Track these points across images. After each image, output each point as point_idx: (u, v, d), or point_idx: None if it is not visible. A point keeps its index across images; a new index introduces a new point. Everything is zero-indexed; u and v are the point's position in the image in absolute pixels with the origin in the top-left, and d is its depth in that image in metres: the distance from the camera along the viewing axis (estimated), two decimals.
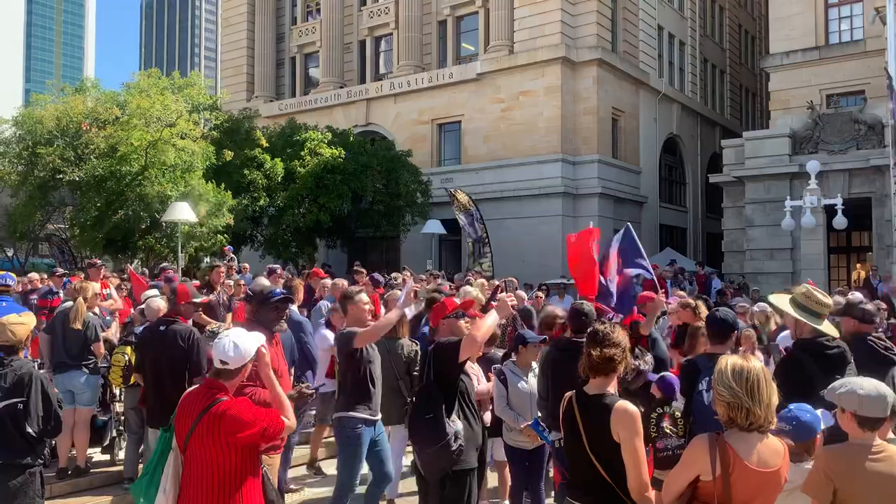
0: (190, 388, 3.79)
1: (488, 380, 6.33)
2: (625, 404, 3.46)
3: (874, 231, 21.91)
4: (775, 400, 3.13)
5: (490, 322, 4.61)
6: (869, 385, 3.21)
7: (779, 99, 26.74)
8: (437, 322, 5.00)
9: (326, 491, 6.96)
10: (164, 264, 15.45)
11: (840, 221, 18.90)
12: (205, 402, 3.53)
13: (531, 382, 6.08)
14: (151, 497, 3.64)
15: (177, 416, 3.63)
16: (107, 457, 7.83)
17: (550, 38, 27.58)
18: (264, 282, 5.24)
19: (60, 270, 12.19)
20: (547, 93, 27.45)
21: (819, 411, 3.75)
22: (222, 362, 3.57)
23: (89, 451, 7.52)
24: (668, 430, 5.39)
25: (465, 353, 4.48)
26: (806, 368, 4.50)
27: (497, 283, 13.52)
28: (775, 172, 22.97)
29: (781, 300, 4.93)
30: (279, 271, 12.59)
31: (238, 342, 3.60)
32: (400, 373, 6.49)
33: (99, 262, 11.50)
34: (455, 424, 4.46)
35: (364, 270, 13.04)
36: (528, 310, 10.77)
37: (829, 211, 19.49)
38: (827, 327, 4.73)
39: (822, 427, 3.82)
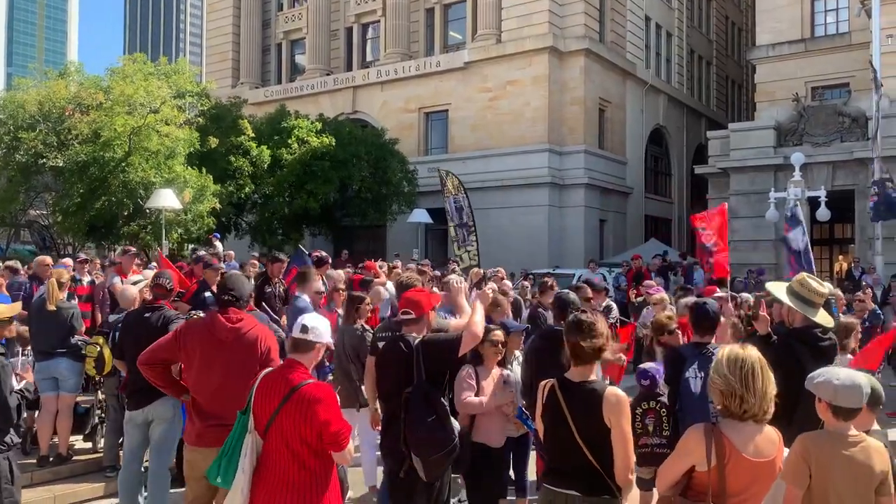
0: (267, 370, 3.85)
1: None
2: (614, 390, 3.52)
3: (857, 223, 22.13)
4: (772, 390, 3.15)
5: (480, 315, 4.58)
6: (844, 375, 3.23)
7: (764, 91, 26.86)
8: (420, 314, 4.66)
9: None
10: (202, 252, 14.45)
11: (823, 213, 19.05)
12: (289, 383, 3.62)
13: (515, 371, 6.10)
14: (230, 478, 3.68)
15: (255, 398, 3.69)
16: (88, 444, 7.76)
17: (538, 27, 27.53)
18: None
19: (83, 256, 11.83)
20: (534, 82, 27.42)
21: None
22: (303, 329, 3.70)
23: (71, 438, 7.46)
24: (650, 428, 5.42)
25: (465, 348, 4.45)
26: (798, 356, 4.53)
27: (482, 272, 13.55)
28: (760, 164, 23.11)
29: (778, 288, 4.95)
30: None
31: (320, 317, 3.81)
32: (351, 357, 6.51)
33: (133, 249, 11.21)
34: (455, 423, 4.41)
35: (427, 262, 12.89)
36: (515, 300, 10.75)
37: (813, 203, 19.63)
38: (821, 317, 4.74)
39: None
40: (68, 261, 12.08)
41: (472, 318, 4.54)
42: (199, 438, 4.50)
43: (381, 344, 5.60)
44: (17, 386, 4.61)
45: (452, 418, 4.43)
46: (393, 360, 4.54)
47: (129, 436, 5.78)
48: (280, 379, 3.68)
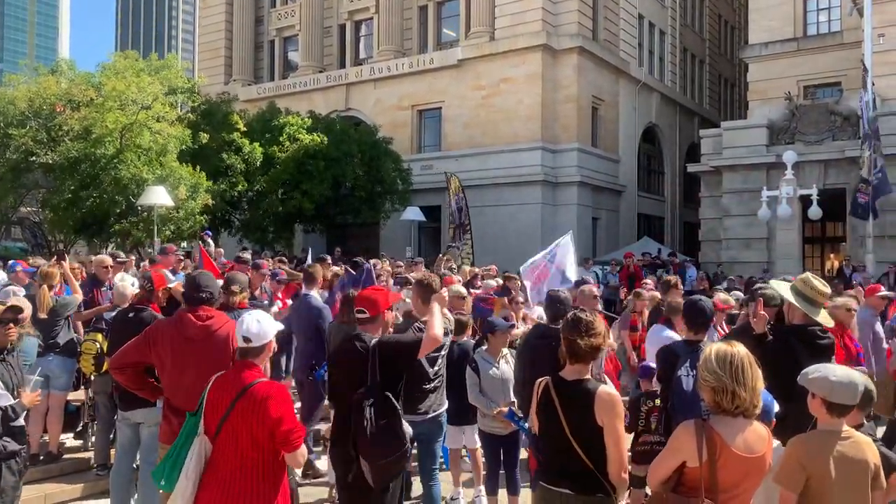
0: (219, 373, 3.76)
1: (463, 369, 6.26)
2: (607, 389, 3.52)
3: (848, 221, 22.21)
4: (760, 385, 3.15)
5: (439, 318, 4.47)
6: (841, 372, 3.26)
7: (757, 89, 26.94)
8: (375, 314, 4.43)
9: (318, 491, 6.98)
10: (246, 255, 13.09)
11: (815, 212, 19.13)
12: (241, 383, 3.55)
13: (502, 369, 6.12)
14: (173, 481, 3.61)
15: (207, 400, 3.63)
16: (79, 443, 7.72)
17: (531, 25, 27.53)
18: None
19: (122, 256, 11.38)
20: (527, 80, 27.42)
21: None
22: (245, 339, 3.63)
23: (61, 436, 7.41)
24: (653, 426, 5.43)
25: (424, 352, 4.38)
26: (795, 353, 4.52)
27: (477, 270, 13.55)
28: (752, 163, 23.17)
29: (782, 286, 4.95)
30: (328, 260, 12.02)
31: (261, 320, 3.69)
32: None
33: (173, 246, 10.89)
34: (408, 427, 4.27)
35: (421, 260, 12.75)
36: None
37: (805, 201, 19.70)
38: (823, 317, 4.74)
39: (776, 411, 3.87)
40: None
41: (430, 321, 4.41)
42: (174, 437, 4.43)
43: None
44: (3, 402, 4.55)
45: (405, 422, 4.29)
46: (346, 360, 4.32)
47: (122, 433, 5.76)
48: (232, 380, 3.61)
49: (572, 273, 9.52)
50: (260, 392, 3.51)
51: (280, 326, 3.89)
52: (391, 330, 4.93)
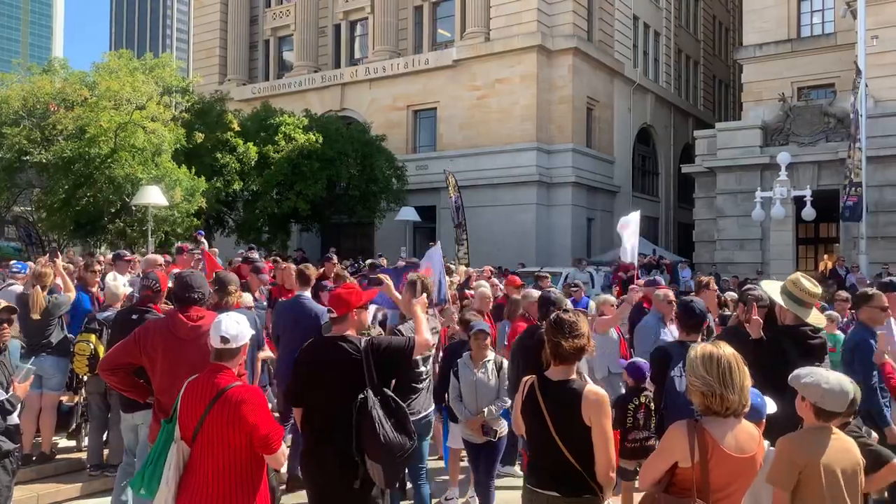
0: (191, 377, 3.69)
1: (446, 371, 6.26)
2: (594, 389, 3.52)
3: (841, 222, 22.29)
4: (748, 384, 3.15)
5: (424, 321, 4.52)
6: (834, 379, 3.26)
7: (751, 90, 27.01)
8: (345, 312, 4.21)
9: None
10: (254, 254, 12.70)
11: (808, 213, 19.18)
12: (215, 387, 3.52)
13: (478, 376, 6.03)
14: (154, 489, 3.59)
15: (181, 406, 3.59)
16: (72, 443, 7.70)
17: (527, 25, 27.56)
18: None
19: (127, 255, 11.14)
20: (522, 81, 27.44)
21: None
22: (223, 340, 3.58)
23: (54, 436, 7.38)
24: (641, 422, 5.48)
25: (415, 356, 4.41)
26: (787, 354, 4.53)
27: (471, 271, 13.55)
28: (746, 163, 23.25)
29: (772, 287, 4.96)
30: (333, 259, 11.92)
31: (239, 321, 3.66)
32: None
33: (189, 246, 10.69)
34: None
35: (416, 260, 12.73)
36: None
37: (799, 202, 19.76)
38: (814, 317, 4.75)
39: (767, 412, 3.89)
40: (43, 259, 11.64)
41: (418, 325, 4.46)
42: None
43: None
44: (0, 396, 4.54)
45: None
46: (334, 363, 4.09)
47: (125, 435, 5.74)
48: (206, 384, 3.57)
49: (629, 254, 10.57)
50: (234, 396, 3.49)
51: (253, 331, 3.87)
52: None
